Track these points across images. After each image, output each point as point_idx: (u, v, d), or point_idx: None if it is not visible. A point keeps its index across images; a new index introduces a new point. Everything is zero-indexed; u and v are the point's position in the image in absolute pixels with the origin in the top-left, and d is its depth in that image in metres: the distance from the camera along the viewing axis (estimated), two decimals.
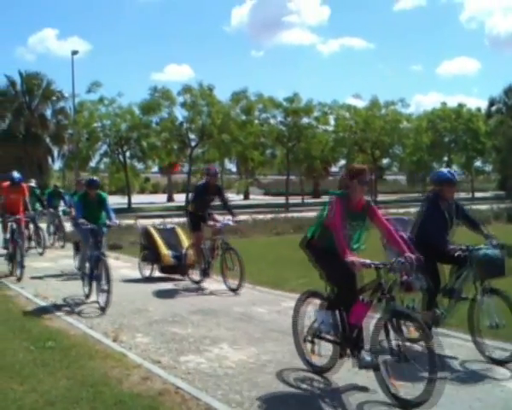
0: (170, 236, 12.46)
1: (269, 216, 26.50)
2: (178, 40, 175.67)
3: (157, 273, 12.00)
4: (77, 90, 49.67)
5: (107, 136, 48.38)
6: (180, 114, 49.84)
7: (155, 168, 63.15)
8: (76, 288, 10.12)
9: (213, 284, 10.97)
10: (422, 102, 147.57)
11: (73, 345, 6.80)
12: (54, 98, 46.67)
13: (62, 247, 17.48)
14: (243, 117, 50.84)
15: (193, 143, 50.79)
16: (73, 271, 12.21)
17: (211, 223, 10.99)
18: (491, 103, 60.15)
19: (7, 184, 12.43)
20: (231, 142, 49.13)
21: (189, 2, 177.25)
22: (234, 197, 71.09)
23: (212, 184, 10.92)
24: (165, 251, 11.90)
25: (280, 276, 11.49)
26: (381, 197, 59.32)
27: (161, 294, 10.29)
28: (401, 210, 33.48)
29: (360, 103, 56.49)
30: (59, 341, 6.95)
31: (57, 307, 9.16)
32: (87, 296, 9.58)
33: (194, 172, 51.00)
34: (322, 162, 62.08)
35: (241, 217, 27.26)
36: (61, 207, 18.00)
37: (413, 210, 31.93)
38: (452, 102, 71.95)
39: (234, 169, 76.47)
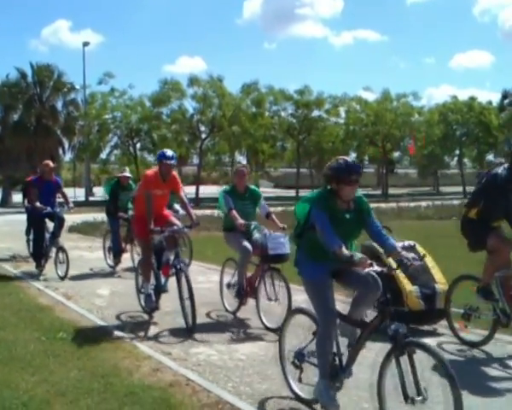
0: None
1: (279, 209, 26.46)
2: (190, 32, 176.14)
3: None
4: (89, 82, 49.89)
5: (117, 127, 48.39)
6: (190, 105, 49.83)
7: None
8: (87, 278, 10.17)
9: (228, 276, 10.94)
10: (434, 94, 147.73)
11: (84, 336, 6.83)
12: (65, 90, 46.72)
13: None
14: (254, 109, 50.68)
15: (203, 136, 50.76)
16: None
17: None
18: (504, 96, 59.72)
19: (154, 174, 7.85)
20: (241, 134, 48.99)
21: None
22: None
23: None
24: (409, 287, 6.98)
25: (291, 269, 11.43)
26: (391, 191, 59.13)
27: (173, 285, 10.26)
28: (412, 204, 33.48)
29: (371, 96, 56.26)
30: (70, 332, 6.98)
31: (68, 298, 9.19)
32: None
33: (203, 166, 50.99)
34: (332, 155, 61.44)
35: None
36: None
37: (424, 204, 32.01)
38: (465, 96, 71.57)
39: (244, 162, 76.33)
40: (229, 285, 8.03)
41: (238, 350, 6.31)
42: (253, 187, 7.98)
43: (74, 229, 20.60)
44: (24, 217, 13.60)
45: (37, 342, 6.56)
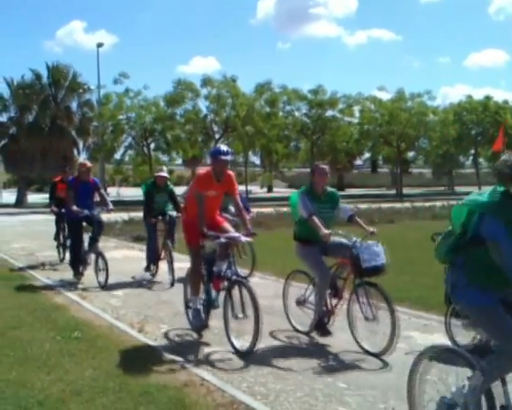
0: None
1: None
2: (204, 33, 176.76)
3: None
4: (103, 83, 50.17)
5: (131, 128, 48.64)
6: (204, 106, 49.96)
7: (179, 160, 63.36)
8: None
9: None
10: (449, 94, 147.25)
11: (99, 336, 6.85)
12: (80, 91, 47.00)
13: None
14: (267, 109, 50.71)
15: (217, 136, 50.84)
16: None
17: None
18: None
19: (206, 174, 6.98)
20: (255, 134, 49.09)
21: None
22: (257, 190, 71.18)
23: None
24: None
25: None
26: (406, 190, 58.88)
27: None
28: (427, 204, 33.32)
29: (385, 96, 56.08)
30: (85, 331, 7.00)
31: (83, 298, 9.23)
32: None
33: None
34: (346, 155, 61.75)
35: (265, 210, 27.33)
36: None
37: (439, 204, 31.83)
38: (480, 95, 71.13)
39: (258, 162, 76.42)
40: (299, 302, 7.05)
41: (252, 350, 6.29)
42: (330, 188, 6.91)
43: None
44: (39, 217, 13.66)
45: (52, 341, 6.58)
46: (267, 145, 52.12)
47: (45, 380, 5.30)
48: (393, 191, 60.76)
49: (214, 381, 5.33)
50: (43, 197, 53.03)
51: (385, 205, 30.72)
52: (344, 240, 6.51)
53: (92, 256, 10.63)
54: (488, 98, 59.33)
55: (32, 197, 53.93)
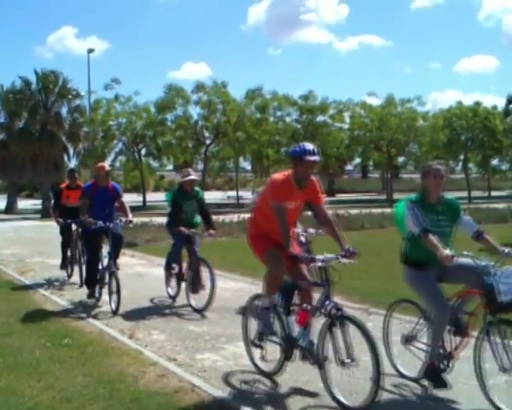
0: None
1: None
2: (195, 39, 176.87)
3: None
4: (94, 89, 50.09)
5: (122, 134, 48.61)
6: (195, 112, 50.00)
7: (170, 166, 63.32)
8: None
9: (229, 282, 10.95)
10: (439, 99, 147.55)
11: (90, 342, 6.82)
12: (70, 96, 46.73)
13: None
14: (258, 115, 50.78)
15: (208, 142, 50.85)
16: None
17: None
18: (509, 101, 59.47)
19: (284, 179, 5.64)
20: (246, 140, 49.14)
21: (206, 1, 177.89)
22: (248, 196, 71.15)
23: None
24: None
25: None
26: (396, 195, 58.95)
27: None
28: None
29: (376, 101, 56.32)
30: (75, 338, 6.97)
31: (74, 305, 9.19)
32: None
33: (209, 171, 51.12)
34: (337, 160, 61.88)
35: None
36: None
37: None
38: (470, 100, 71.54)
39: (248, 167, 76.37)
40: (407, 339, 5.54)
41: (244, 356, 6.27)
42: (449, 196, 5.38)
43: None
44: (30, 223, 13.62)
45: (42, 348, 6.55)
46: (258, 151, 52.22)
47: (35, 387, 5.27)
48: (384, 196, 60.87)
49: (205, 387, 5.31)
50: (33, 203, 52.96)
51: (375, 210, 30.75)
52: (471, 261, 4.88)
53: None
54: (478, 104, 59.58)
55: (22, 203, 53.77)
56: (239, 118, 48.17)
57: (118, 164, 51.69)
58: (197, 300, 8.63)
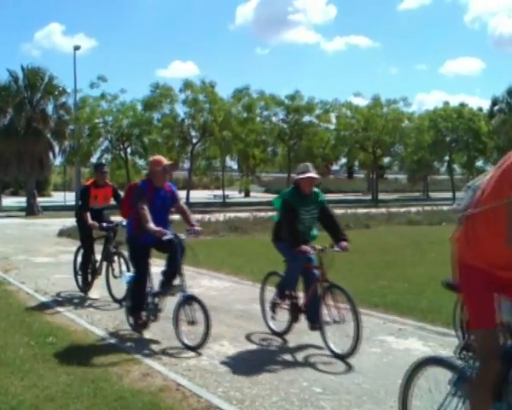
0: None
1: (270, 214, 26.50)
2: (183, 37, 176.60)
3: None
4: (81, 86, 49.90)
5: (108, 132, 48.43)
6: (181, 110, 49.91)
7: None
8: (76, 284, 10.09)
9: (214, 281, 10.96)
10: (425, 100, 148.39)
11: (74, 341, 6.81)
12: (56, 93, 46.47)
13: None
14: (245, 114, 50.78)
15: (194, 140, 50.79)
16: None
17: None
18: (494, 103, 59.98)
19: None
20: (232, 139, 49.13)
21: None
22: (235, 195, 71.14)
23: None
24: None
25: None
26: (381, 196, 59.27)
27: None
28: (402, 209, 33.57)
29: (362, 102, 56.49)
30: (60, 336, 6.94)
31: (58, 303, 9.16)
32: None
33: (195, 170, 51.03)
34: (323, 160, 61.99)
35: (242, 214, 27.35)
36: None
37: (414, 209, 32.08)
38: (455, 102, 71.96)
39: (235, 167, 76.47)
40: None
41: (228, 355, 6.30)
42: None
43: (64, 233, 20.49)
44: (15, 221, 13.51)
45: (26, 346, 6.51)
46: (244, 150, 52.24)
47: (19, 386, 5.24)
48: (369, 197, 61.16)
49: (190, 386, 5.33)
50: (17, 201, 52.55)
51: (361, 210, 30.92)
52: None
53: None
54: (463, 106, 59.98)
55: (7, 201, 53.39)
56: (226, 117, 48.15)
57: (104, 162, 51.47)
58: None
